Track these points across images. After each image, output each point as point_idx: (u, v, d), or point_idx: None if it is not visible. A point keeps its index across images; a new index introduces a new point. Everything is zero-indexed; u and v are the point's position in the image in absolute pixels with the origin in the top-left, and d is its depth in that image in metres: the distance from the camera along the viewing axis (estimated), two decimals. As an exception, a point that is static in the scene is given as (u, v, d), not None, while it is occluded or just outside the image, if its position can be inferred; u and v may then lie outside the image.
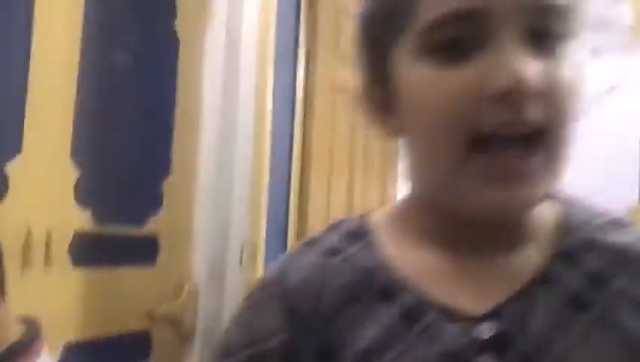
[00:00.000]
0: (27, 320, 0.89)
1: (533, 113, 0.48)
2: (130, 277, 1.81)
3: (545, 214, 0.58)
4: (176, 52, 1.98)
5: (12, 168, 1.45)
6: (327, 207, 2.50)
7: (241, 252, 1.96)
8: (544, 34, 0.50)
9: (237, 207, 2.06)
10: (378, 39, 0.55)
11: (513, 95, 0.47)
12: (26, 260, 1.47)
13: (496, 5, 0.48)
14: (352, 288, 0.56)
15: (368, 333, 0.53)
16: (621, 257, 0.55)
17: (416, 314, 0.53)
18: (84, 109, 1.64)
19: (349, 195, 2.70)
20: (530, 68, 0.48)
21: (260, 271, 1.86)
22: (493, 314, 0.53)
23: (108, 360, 1.74)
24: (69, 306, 1.61)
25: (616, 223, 0.59)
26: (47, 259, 1.53)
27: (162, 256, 1.94)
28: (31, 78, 1.50)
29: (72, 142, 1.62)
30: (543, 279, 0.54)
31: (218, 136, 2.09)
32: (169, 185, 1.97)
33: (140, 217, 1.87)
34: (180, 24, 1.98)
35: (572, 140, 0.51)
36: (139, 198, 1.87)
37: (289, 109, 2.40)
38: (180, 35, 1.98)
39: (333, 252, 0.59)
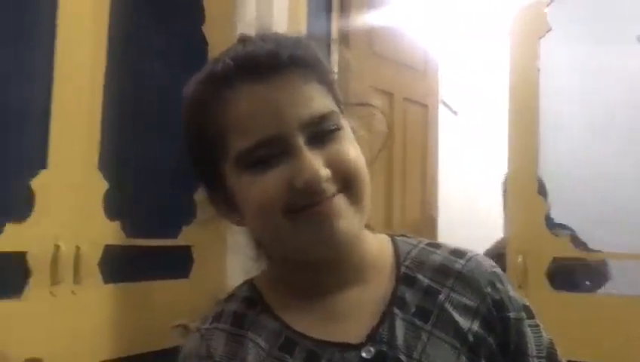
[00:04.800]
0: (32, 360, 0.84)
1: (329, 188, 0.67)
2: (163, 291, 1.75)
3: (383, 250, 0.76)
4: (204, 56, 1.92)
5: (37, 183, 1.41)
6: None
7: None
8: (321, 132, 0.68)
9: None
10: (206, 163, 0.73)
11: (312, 186, 0.66)
12: (54, 277, 1.42)
13: (284, 130, 0.67)
14: (264, 349, 0.70)
15: None
16: (441, 272, 0.74)
17: (318, 355, 0.69)
18: (112, 120, 1.60)
19: (388, 199, 2.61)
20: (318, 163, 0.67)
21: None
22: (370, 338, 0.69)
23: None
24: (101, 323, 1.56)
25: (431, 245, 0.78)
26: (77, 276, 1.48)
27: (196, 268, 1.88)
28: (55, 91, 1.45)
29: (99, 154, 1.57)
30: (395, 301, 0.72)
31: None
32: (201, 195, 1.91)
33: (173, 228, 1.81)
34: (208, 27, 1.92)
35: (365, 186, 0.69)
36: (171, 209, 1.81)
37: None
38: (209, 38, 1.92)
39: (239, 319, 0.73)
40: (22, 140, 1.41)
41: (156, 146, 1.78)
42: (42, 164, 1.42)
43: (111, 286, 1.58)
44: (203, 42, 1.91)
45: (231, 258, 2.00)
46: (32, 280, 1.38)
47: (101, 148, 1.57)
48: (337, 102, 0.72)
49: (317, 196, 0.66)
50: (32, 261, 1.38)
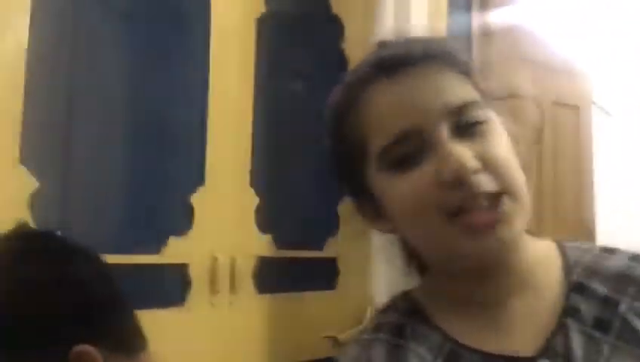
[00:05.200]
0: None
1: (487, 184, 0.62)
2: (311, 303, 1.79)
3: (549, 256, 0.71)
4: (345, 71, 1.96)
5: (196, 199, 1.50)
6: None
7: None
8: (465, 124, 0.64)
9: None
10: (351, 170, 0.70)
11: (461, 177, 0.61)
12: (213, 288, 1.51)
13: (423, 120, 0.63)
14: (427, 361, 0.66)
15: None
16: (621, 279, 0.67)
17: None
18: (261, 139, 1.67)
19: (538, 204, 2.48)
20: (466, 154, 0.62)
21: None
22: (543, 351, 0.64)
23: (295, 387, 1.73)
24: (255, 333, 1.62)
25: (607, 250, 0.71)
26: (232, 286, 1.56)
27: (342, 280, 1.90)
28: (210, 113, 1.55)
29: (251, 171, 1.65)
30: (568, 311, 0.66)
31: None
32: (345, 207, 1.94)
33: (318, 240, 1.85)
34: (348, 42, 1.96)
35: (522, 184, 0.64)
36: (317, 222, 1.86)
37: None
38: (349, 53, 1.95)
39: (399, 330, 0.69)
40: (181, 159, 1.52)
41: (302, 162, 1.83)
42: (200, 181, 1.52)
43: (264, 296, 1.65)
44: (343, 58, 1.95)
45: (376, 269, 2.00)
46: (192, 291, 1.48)
47: (252, 166, 1.65)
48: (481, 93, 0.68)
49: (469, 190, 0.61)
50: (192, 272, 1.48)
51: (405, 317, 0.70)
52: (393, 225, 0.69)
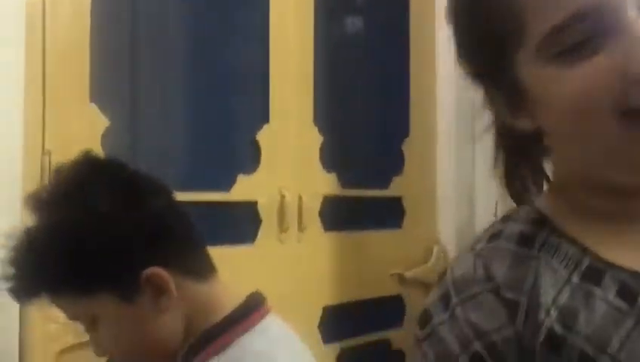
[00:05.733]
0: (251, 294, 0.89)
1: None
2: (377, 241, 1.79)
3: None
4: (407, 15, 1.90)
5: (262, 137, 1.50)
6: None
7: (495, 211, 1.82)
8: None
9: (481, 163, 1.92)
10: (490, 54, 0.58)
11: None
12: (281, 225, 1.52)
13: None
14: (561, 276, 0.57)
15: (593, 318, 0.54)
16: None
17: (633, 288, 0.55)
18: (323, 77, 1.65)
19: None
20: None
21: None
22: None
23: (364, 324, 1.74)
24: (323, 270, 1.63)
25: None
26: (300, 224, 1.56)
27: (408, 219, 1.88)
28: (272, 52, 1.53)
29: (314, 109, 1.63)
30: None
31: (456, 90, 1.97)
32: (409, 145, 1.91)
33: (383, 179, 1.83)
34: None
35: None
36: (381, 160, 1.83)
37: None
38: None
39: (526, 240, 0.59)
40: (245, 97, 1.51)
41: (365, 100, 1.80)
42: (265, 119, 1.51)
43: (331, 234, 1.65)
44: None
45: (441, 208, 1.98)
46: (261, 228, 1.49)
47: (315, 104, 1.63)
48: None
49: None
50: (261, 210, 1.48)
51: (532, 226, 0.60)
52: (538, 123, 0.58)
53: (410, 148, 1.90)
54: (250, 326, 0.83)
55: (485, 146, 2.04)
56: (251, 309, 0.86)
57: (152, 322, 0.80)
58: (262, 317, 0.86)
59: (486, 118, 0.67)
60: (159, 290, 0.80)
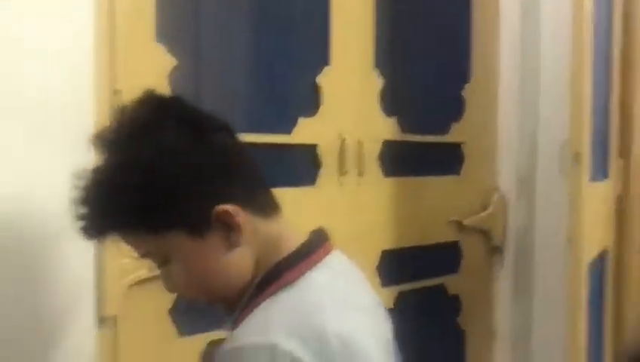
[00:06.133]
0: (315, 230, 0.90)
1: None
2: (436, 187, 1.77)
3: None
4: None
5: (322, 79, 1.49)
6: None
7: (561, 157, 1.77)
8: None
9: (547, 109, 1.86)
10: None
11: None
12: (341, 168, 1.52)
13: None
14: None
15: None
16: None
17: None
18: (384, 19, 1.61)
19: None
20: None
21: (584, 178, 1.64)
22: None
23: (421, 269, 1.75)
24: (381, 214, 1.63)
25: None
26: (360, 169, 1.56)
27: (467, 165, 1.86)
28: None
29: (375, 53, 1.60)
30: None
31: (520, 35, 1.90)
32: (470, 90, 1.86)
33: (443, 124, 1.80)
34: None
35: None
36: (440, 105, 1.80)
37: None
38: None
39: None
40: (305, 39, 1.49)
41: (425, 44, 1.76)
42: (325, 61, 1.49)
43: (390, 179, 1.64)
44: None
45: (502, 156, 1.94)
46: (322, 171, 1.49)
47: (376, 47, 1.60)
48: None
49: None
50: (321, 153, 1.49)
51: None
52: None
53: (471, 94, 1.86)
54: (317, 261, 0.84)
55: (549, 92, 2.00)
56: (317, 245, 0.87)
57: (223, 258, 0.82)
58: (327, 252, 0.87)
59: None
60: (230, 226, 0.81)
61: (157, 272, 1.17)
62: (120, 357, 1.15)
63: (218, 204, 0.80)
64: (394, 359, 0.90)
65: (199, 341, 1.28)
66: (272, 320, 0.76)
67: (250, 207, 0.83)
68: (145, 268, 1.18)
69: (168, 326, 1.24)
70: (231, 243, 0.81)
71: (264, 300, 0.79)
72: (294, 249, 0.84)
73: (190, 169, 0.80)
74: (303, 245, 0.85)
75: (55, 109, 1.04)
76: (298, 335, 0.74)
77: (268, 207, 0.86)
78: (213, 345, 1.06)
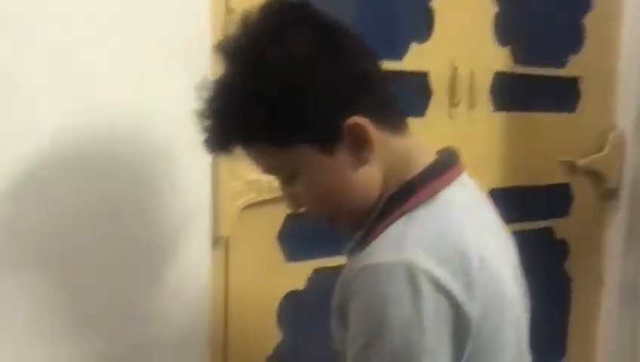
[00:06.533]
0: (446, 148, 0.83)
1: None
2: (548, 124, 1.66)
3: None
4: None
5: (436, 3, 1.40)
6: None
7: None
8: None
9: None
10: None
11: None
12: (452, 100, 1.44)
13: None
14: None
15: None
16: None
17: None
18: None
19: None
20: None
21: None
22: None
23: (529, 210, 1.66)
24: (491, 151, 1.55)
25: None
26: (471, 101, 1.48)
27: (584, 102, 1.73)
28: None
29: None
30: None
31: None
32: (591, 20, 1.71)
33: (560, 57, 1.68)
34: None
35: None
36: (558, 36, 1.67)
37: None
38: None
39: None
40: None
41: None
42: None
43: (501, 114, 1.55)
44: None
45: (622, 94, 1.79)
46: (432, 101, 1.42)
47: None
48: None
49: None
50: (432, 82, 1.41)
51: None
52: None
53: (592, 24, 1.71)
54: (452, 180, 0.79)
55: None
56: (449, 164, 0.81)
57: (352, 173, 0.77)
58: (460, 172, 0.81)
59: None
60: (360, 141, 0.76)
61: (266, 196, 1.16)
62: (230, 278, 1.15)
63: (349, 116, 0.75)
64: (521, 286, 0.86)
65: (306, 267, 1.27)
66: (409, 238, 0.71)
67: (381, 122, 0.78)
68: (254, 192, 1.16)
69: (276, 251, 1.22)
70: (360, 160, 0.77)
71: (396, 218, 0.75)
72: (426, 166, 0.79)
73: (319, 78, 0.75)
74: (437, 162, 0.80)
75: (171, 26, 1.02)
76: (436, 255, 0.70)
77: (398, 123, 0.81)
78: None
